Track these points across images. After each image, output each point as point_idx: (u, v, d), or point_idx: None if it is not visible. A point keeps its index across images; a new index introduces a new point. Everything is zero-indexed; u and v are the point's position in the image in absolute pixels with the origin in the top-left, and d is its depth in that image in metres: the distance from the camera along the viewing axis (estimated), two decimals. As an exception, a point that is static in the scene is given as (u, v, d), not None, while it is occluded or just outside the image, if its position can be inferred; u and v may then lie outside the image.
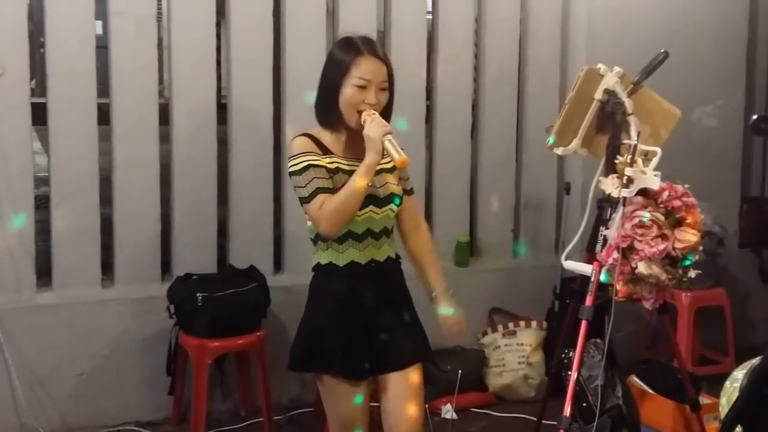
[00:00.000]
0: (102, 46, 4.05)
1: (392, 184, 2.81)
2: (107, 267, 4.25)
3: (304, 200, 2.70)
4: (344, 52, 2.76)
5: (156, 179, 4.21)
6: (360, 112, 2.70)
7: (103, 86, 4.12)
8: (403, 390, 2.81)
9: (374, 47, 2.78)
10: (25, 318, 4.00)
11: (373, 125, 2.66)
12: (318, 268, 2.83)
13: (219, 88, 4.34)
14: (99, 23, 4.05)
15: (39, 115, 4.06)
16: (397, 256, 2.88)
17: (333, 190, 2.68)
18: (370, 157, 2.65)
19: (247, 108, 4.34)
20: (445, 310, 2.86)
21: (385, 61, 2.78)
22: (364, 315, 2.76)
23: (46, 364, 4.02)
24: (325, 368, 2.77)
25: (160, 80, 4.27)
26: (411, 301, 2.90)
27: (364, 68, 2.71)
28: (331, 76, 2.76)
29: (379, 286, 2.79)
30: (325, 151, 2.75)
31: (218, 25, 4.32)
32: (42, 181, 4.28)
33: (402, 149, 2.66)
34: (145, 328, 4.16)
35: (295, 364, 2.87)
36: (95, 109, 4.08)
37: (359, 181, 2.64)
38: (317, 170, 2.70)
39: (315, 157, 2.71)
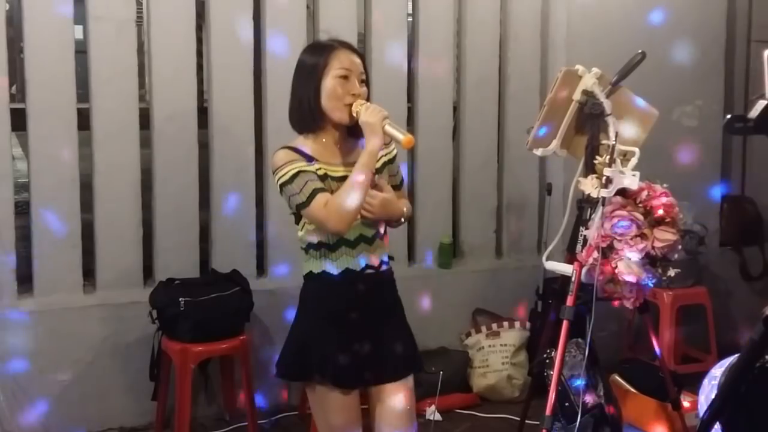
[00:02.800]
0: (82, 51, 4.02)
1: (383, 185, 2.74)
2: (89, 272, 4.23)
3: (303, 205, 2.61)
4: (317, 51, 2.72)
5: (137, 184, 4.19)
6: (348, 106, 2.65)
7: (83, 91, 4.10)
8: (398, 402, 2.75)
9: (346, 42, 2.76)
10: (7, 324, 3.97)
11: (369, 111, 2.62)
12: (310, 276, 2.76)
13: (200, 92, 4.33)
14: (79, 28, 4.04)
15: (19, 120, 4.05)
16: (390, 258, 2.83)
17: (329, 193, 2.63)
18: (372, 143, 2.60)
19: (228, 112, 4.33)
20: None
21: (360, 54, 2.75)
22: (357, 323, 2.71)
23: (28, 370, 3.99)
24: (317, 376, 2.70)
25: (141, 85, 4.25)
26: (402, 309, 2.86)
27: (343, 58, 2.68)
28: (309, 76, 2.68)
29: (372, 294, 2.73)
30: (309, 159, 2.67)
31: (199, 28, 4.31)
32: (22, 187, 4.26)
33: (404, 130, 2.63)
34: (128, 333, 4.14)
35: (284, 372, 2.82)
36: (75, 114, 4.05)
37: (364, 170, 2.58)
38: (308, 174, 2.63)
39: (302, 164, 2.65)
